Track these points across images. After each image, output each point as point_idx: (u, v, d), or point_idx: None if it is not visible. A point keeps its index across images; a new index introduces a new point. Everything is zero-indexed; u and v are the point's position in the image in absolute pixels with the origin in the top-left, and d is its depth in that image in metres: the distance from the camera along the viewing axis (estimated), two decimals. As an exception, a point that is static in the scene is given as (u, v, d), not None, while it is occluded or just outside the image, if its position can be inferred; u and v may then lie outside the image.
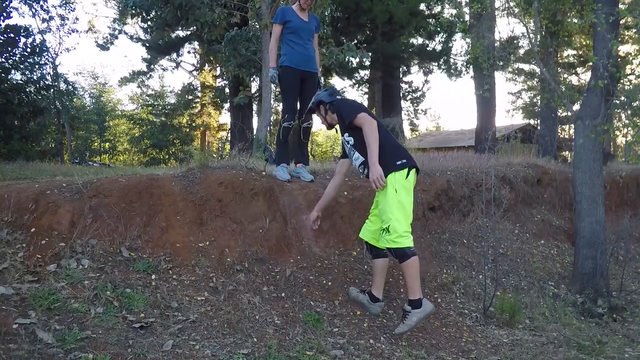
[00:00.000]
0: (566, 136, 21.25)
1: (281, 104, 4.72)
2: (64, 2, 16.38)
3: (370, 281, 3.58)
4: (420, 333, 3.37)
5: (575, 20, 8.28)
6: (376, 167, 2.97)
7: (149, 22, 11.97)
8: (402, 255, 2.94)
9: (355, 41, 14.00)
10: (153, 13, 10.78)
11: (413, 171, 3.12)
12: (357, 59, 15.29)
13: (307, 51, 4.34)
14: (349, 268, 3.84)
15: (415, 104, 23.89)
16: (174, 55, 19.27)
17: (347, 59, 9.91)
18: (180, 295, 3.00)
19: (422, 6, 15.64)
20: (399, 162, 3.02)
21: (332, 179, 3.65)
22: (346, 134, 3.32)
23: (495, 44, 10.42)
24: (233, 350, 2.64)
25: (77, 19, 24.45)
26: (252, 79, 12.40)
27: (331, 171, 4.94)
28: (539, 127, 14.27)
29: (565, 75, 17.27)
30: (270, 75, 4.29)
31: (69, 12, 16.67)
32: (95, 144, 23.89)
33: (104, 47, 19.23)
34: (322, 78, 4.63)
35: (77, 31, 17.47)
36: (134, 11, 10.83)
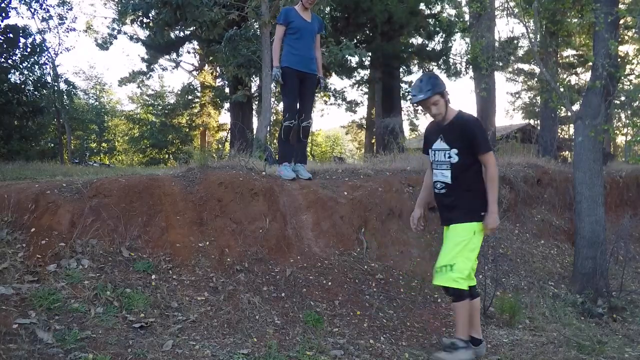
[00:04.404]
0: (566, 136, 21.27)
1: (281, 104, 4.76)
2: (61, 1, 16.35)
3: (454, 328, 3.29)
4: (420, 333, 3.37)
5: (575, 20, 8.28)
6: (495, 217, 2.92)
7: (150, 24, 11.96)
8: (459, 296, 2.90)
9: (355, 41, 13.99)
10: (152, 14, 10.77)
11: None
12: (357, 58, 15.28)
13: (307, 52, 4.34)
14: (349, 268, 3.84)
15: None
16: (174, 55, 19.27)
17: (345, 58, 9.88)
18: (180, 295, 3.00)
19: (422, 6, 15.63)
20: (483, 214, 2.95)
21: (427, 170, 3.36)
22: (456, 150, 2.94)
23: (495, 44, 10.43)
24: (233, 350, 2.64)
25: (75, 18, 24.36)
26: (251, 78, 12.40)
27: (331, 171, 4.93)
28: (539, 127, 14.28)
29: (565, 75, 17.26)
30: (274, 74, 4.32)
31: (67, 11, 16.61)
32: (95, 144, 23.88)
33: (103, 47, 19.22)
34: (330, 78, 4.67)
35: (75, 30, 17.45)
36: (133, 15, 10.84)
